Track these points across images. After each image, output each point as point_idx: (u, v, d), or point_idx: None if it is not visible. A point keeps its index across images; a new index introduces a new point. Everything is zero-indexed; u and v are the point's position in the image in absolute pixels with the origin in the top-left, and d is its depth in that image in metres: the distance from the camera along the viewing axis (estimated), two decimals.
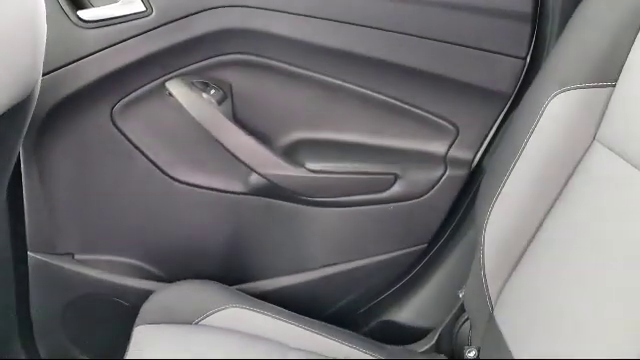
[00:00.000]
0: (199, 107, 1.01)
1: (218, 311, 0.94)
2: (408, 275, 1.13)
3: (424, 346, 1.04)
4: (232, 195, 1.08)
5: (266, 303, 0.99)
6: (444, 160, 1.06)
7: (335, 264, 1.11)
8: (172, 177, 1.06)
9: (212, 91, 1.01)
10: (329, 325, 1.00)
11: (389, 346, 1.01)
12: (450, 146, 1.06)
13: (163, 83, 1.00)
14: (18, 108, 0.79)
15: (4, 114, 0.76)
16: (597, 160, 0.80)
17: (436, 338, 1.03)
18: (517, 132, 0.89)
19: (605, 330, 0.67)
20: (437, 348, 1.03)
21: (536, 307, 0.80)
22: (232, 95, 1.03)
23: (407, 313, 1.12)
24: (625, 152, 0.75)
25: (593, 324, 0.69)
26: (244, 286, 1.09)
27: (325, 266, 1.11)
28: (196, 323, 0.93)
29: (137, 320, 0.92)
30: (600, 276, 0.71)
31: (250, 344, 0.90)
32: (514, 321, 0.83)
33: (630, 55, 0.77)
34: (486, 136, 1.05)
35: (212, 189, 1.08)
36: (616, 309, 0.67)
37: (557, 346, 0.72)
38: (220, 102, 1.02)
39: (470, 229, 1.07)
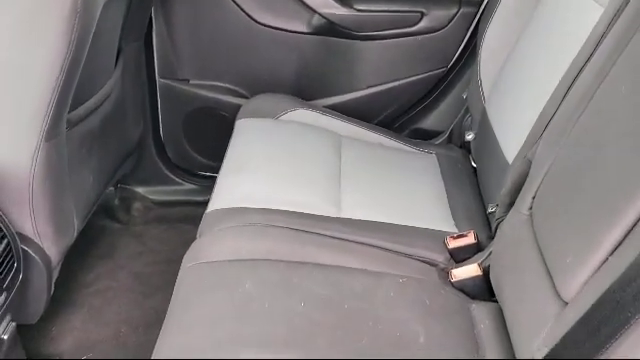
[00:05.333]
0: None
1: (291, 111, 1.34)
2: (433, 93, 1.48)
3: (440, 139, 1.42)
4: (299, 34, 1.45)
5: (325, 108, 1.38)
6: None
7: (376, 85, 1.47)
8: (255, 20, 1.44)
9: None
10: (372, 124, 1.38)
11: (414, 140, 1.39)
12: None
13: None
14: None
15: None
16: None
17: (448, 133, 1.41)
18: None
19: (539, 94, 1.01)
20: (449, 140, 1.41)
21: (508, 96, 1.15)
22: None
23: (431, 120, 1.49)
24: None
25: (537, 96, 1.03)
26: (308, 102, 1.46)
27: (369, 87, 1.48)
28: (276, 118, 1.33)
29: (238, 115, 1.34)
30: (546, 73, 1.03)
31: (313, 130, 1.31)
32: (497, 110, 1.19)
33: None
34: None
35: (284, 30, 1.44)
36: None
37: (522, 110, 1.07)
38: None
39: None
